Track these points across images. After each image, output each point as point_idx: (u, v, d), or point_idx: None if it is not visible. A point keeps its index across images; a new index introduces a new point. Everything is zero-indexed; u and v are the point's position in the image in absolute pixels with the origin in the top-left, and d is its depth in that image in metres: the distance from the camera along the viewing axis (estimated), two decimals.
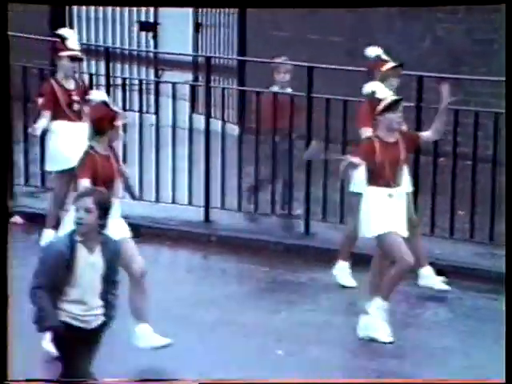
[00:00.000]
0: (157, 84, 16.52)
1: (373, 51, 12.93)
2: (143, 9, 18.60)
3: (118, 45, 18.23)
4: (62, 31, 14.34)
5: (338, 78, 14.83)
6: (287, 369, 11.27)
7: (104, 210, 8.57)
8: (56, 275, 8.44)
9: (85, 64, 16.33)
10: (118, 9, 18.55)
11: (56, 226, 12.59)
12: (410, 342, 11.94)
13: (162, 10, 18.57)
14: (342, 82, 14.63)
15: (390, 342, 11.58)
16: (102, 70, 15.80)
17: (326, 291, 13.43)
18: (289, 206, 14.92)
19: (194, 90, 16.73)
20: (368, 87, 11.84)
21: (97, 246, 8.59)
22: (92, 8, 18.63)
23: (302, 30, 16.99)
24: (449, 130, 13.15)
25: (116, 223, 10.90)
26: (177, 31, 18.14)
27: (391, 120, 11.53)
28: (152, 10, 18.63)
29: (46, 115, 13.76)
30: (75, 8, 18.86)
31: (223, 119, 15.36)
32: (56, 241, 8.87)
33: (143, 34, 18.64)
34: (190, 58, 17.82)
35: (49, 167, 14.32)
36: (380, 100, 11.62)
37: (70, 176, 13.22)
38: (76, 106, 13.68)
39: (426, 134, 11.96)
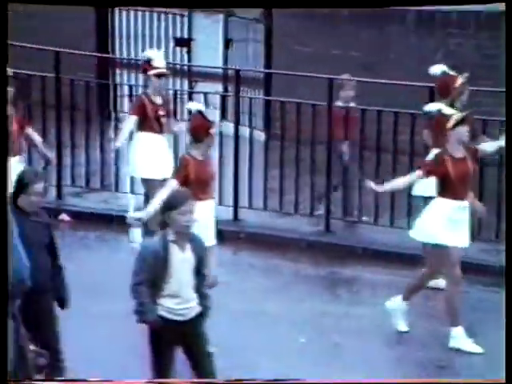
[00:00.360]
0: (190, 94, 16.78)
1: (438, 68, 12.57)
2: (178, 25, 18.73)
3: None
4: (149, 53, 14.49)
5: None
6: (309, 355, 11.32)
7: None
8: (153, 272, 8.59)
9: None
10: (155, 26, 18.70)
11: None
12: (423, 330, 12.08)
13: (196, 27, 18.71)
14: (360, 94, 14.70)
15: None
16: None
17: (345, 284, 13.54)
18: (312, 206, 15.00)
19: (224, 99, 16.86)
20: (431, 106, 11.87)
21: (187, 243, 8.73)
22: (132, 25, 18.78)
23: (323, 45, 16.98)
24: None
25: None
26: (209, 46, 18.23)
27: (462, 134, 11.31)
28: (186, 26, 18.73)
29: (129, 127, 13.87)
30: (117, 27, 19.11)
31: (250, 126, 15.42)
32: (152, 242, 8.94)
33: (178, 49, 18.75)
34: (221, 71, 17.89)
35: (134, 173, 14.34)
36: (448, 116, 11.43)
37: (155, 182, 13.61)
38: (163, 120, 13.83)
39: (483, 148, 11.88)
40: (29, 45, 16.13)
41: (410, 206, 13.97)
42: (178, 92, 16.75)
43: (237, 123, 15.15)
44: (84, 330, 11.39)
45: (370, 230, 14.66)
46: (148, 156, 13.98)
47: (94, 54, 17.30)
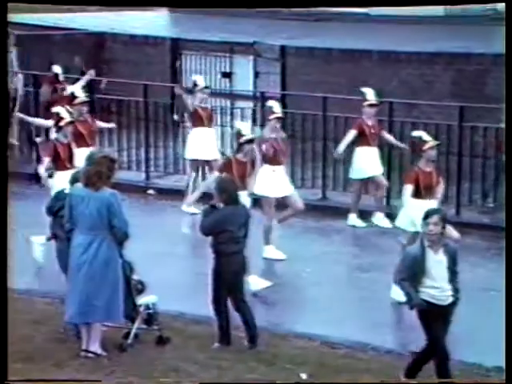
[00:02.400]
0: (232, 109, 16.97)
1: (417, 133, 11.37)
2: (224, 63, 18.73)
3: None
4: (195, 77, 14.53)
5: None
6: (314, 279, 11.14)
7: (444, 221, 8.05)
8: (413, 271, 7.98)
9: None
10: (208, 64, 18.76)
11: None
12: None
13: (235, 64, 18.76)
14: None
15: None
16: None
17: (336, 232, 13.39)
18: None
19: (254, 112, 16.83)
20: (415, 133, 11.33)
21: (440, 248, 8.01)
22: (193, 64, 18.84)
23: (319, 75, 16.96)
24: None
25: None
26: (244, 77, 18.30)
27: (432, 155, 10.85)
28: (228, 64, 18.77)
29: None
30: (183, 66, 19.13)
31: None
32: (413, 248, 8.22)
33: (224, 79, 18.83)
34: (252, 93, 17.81)
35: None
36: (425, 141, 10.85)
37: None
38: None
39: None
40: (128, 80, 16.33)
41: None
42: (223, 107, 16.94)
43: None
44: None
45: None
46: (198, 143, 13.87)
47: (169, 84, 17.44)
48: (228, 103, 17.51)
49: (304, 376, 8.35)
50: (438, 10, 20.79)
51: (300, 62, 17.60)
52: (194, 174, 14.20)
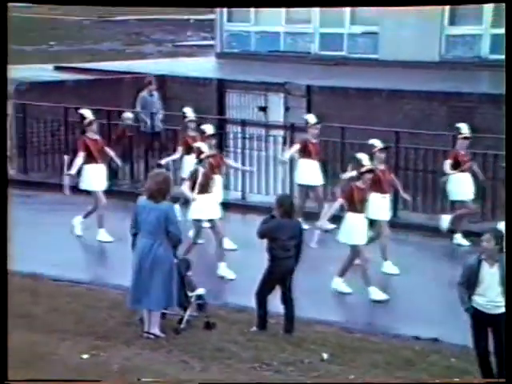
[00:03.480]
0: (266, 137, 16.86)
1: (359, 156, 10.77)
2: (260, 100, 18.70)
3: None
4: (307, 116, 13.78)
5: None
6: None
7: (499, 239, 7.46)
8: (469, 278, 7.48)
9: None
10: (247, 100, 18.70)
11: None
12: None
13: (269, 100, 18.68)
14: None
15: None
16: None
17: None
18: None
19: (284, 139, 16.53)
20: (358, 156, 10.72)
21: (496, 262, 7.46)
22: (235, 100, 18.81)
23: (337, 108, 16.76)
24: None
25: None
26: (276, 111, 18.25)
27: (367, 178, 10.38)
28: (263, 100, 18.74)
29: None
30: (227, 101, 18.98)
31: None
32: (470, 259, 7.68)
33: (260, 113, 18.72)
34: (283, 124, 17.57)
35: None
36: (363, 165, 10.41)
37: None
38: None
39: None
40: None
41: None
42: (260, 135, 16.84)
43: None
44: None
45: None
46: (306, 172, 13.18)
47: (215, 117, 17.44)
48: (263, 132, 17.43)
49: (325, 355, 8.29)
50: (435, 56, 20.76)
51: (322, 99, 17.54)
52: (303, 198, 13.33)
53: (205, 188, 10.90)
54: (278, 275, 8.80)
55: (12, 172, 16.38)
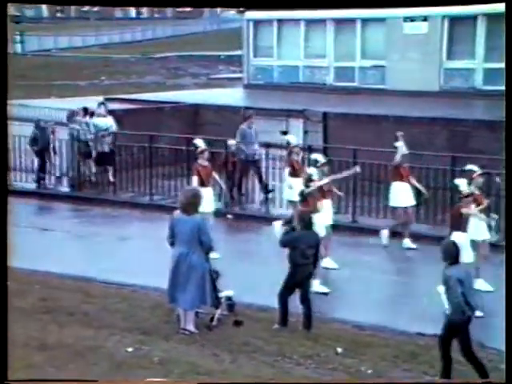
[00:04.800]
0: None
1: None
2: (282, 125, 18.66)
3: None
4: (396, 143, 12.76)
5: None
6: None
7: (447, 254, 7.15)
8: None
9: None
10: (271, 125, 18.62)
11: None
12: None
13: (291, 125, 18.61)
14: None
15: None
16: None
17: None
18: None
19: (303, 160, 16.11)
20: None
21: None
22: (260, 124, 18.71)
23: (351, 132, 16.45)
24: None
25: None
26: (296, 134, 17.99)
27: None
28: (285, 125, 18.64)
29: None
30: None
31: None
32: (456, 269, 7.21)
33: (282, 136, 18.64)
34: (302, 145, 17.47)
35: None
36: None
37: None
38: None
39: None
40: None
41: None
42: (282, 156, 16.61)
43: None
44: None
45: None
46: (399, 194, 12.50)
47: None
48: (285, 153, 17.41)
49: (339, 350, 8.18)
50: (435, 87, 20.67)
51: (337, 124, 17.45)
52: (402, 218, 12.58)
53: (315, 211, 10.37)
54: (298, 279, 8.75)
55: (66, 189, 16.49)
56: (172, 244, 8.62)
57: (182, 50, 44.19)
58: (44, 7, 71.10)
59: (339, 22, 22.90)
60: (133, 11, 71.76)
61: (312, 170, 11.03)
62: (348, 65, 22.88)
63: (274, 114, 18.93)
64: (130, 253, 12.27)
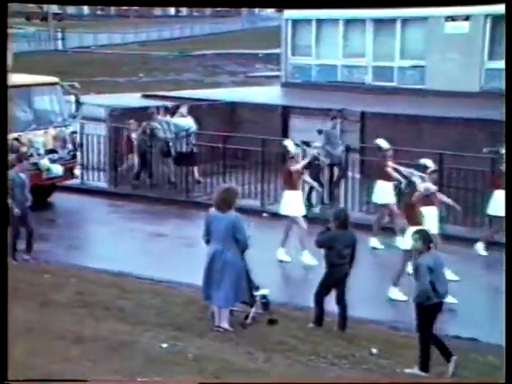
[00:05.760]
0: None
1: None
2: (319, 123, 18.54)
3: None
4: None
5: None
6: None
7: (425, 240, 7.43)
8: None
9: None
10: (307, 123, 18.49)
11: None
12: None
13: (328, 124, 18.52)
14: None
15: None
16: None
17: None
18: None
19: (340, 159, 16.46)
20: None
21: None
22: (297, 124, 18.68)
23: (390, 132, 15.48)
24: None
25: None
26: (334, 135, 17.72)
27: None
28: (322, 123, 18.49)
29: None
30: (291, 125, 18.91)
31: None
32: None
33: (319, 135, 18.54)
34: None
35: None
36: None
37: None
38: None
39: None
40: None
41: None
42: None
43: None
44: None
45: None
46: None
47: (279, 138, 17.27)
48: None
49: (374, 350, 8.11)
50: (475, 87, 20.42)
51: (374, 124, 17.30)
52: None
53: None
54: (335, 279, 8.72)
55: (105, 184, 16.61)
56: (207, 241, 8.61)
57: (220, 48, 44.29)
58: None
59: (379, 21, 22.73)
60: (172, 9, 72.19)
61: (416, 176, 10.58)
62: (387, 64, 22.69)
63: (311, 113, 18.83)
64: (166, 249, 12.32)
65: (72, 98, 15.21)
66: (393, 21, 22.50)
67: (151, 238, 12.94)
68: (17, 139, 13.50)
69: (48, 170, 13.85)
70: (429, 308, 7.49)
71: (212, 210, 8.60)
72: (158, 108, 16.52)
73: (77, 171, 14.98)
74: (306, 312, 9.12)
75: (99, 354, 7.51)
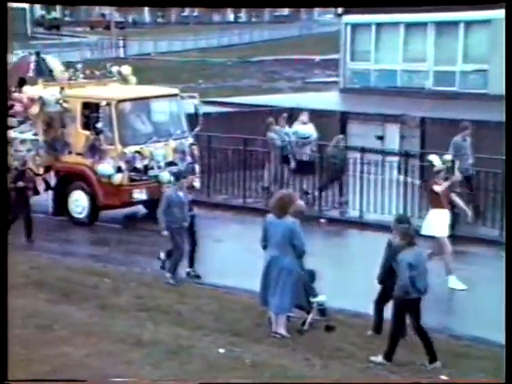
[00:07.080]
0: (383, 162, 16.09)
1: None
2: (377, 128, 18.40)
3: None
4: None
5: None
6: None
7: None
8: None
9: None
10: (366, 128, 18.46)
11: None
12: None
13: (387, 130, 18.39)
14: None
15: None
16: None
17: None
18: None
19: (399, 165, 15.75)
20: None
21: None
22: (356, 129, 18.55)
23: (451, 138, 15.24)
24: None
25: None
26: (392, 142, 17.67)
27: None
28: (381, 129, 18.32)
29: None
30: (349, 129, 18.81)
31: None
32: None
33: (378, 141, 18.31)
34: (398, 151, 16.87)
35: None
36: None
37: None
38: None
39: None
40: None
41: None
42: (377, 161, 16.34)
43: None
44: None
45: None
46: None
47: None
48: (380, 158, 17.18)
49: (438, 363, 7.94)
50: None
51: (435, 130, 17.06)
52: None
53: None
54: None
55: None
56: (265, 247, 8.65)
57: (278, 54, 44.40)
58: (146, 13, 73.04)
59: (441, 24, 22.44)
60: (231, 15, 72.72)
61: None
62: (448, 69, 22.38)
63: (369, 119, 18.73)
64: (223, 254, 12.37)
65: (191, 107, 14.42)
66: (455, 24, 22.19)
67: (209, 243, 12.90)
68: (139, 152, 13.38)
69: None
70: (406, 302, 7.66)
71: (269, 215, 8.65)
72: (275, 116, 15.99)
73: (196, 184, 13.89)
74: (363, 319, 9.06)
75: (159, 357, 7.59)
